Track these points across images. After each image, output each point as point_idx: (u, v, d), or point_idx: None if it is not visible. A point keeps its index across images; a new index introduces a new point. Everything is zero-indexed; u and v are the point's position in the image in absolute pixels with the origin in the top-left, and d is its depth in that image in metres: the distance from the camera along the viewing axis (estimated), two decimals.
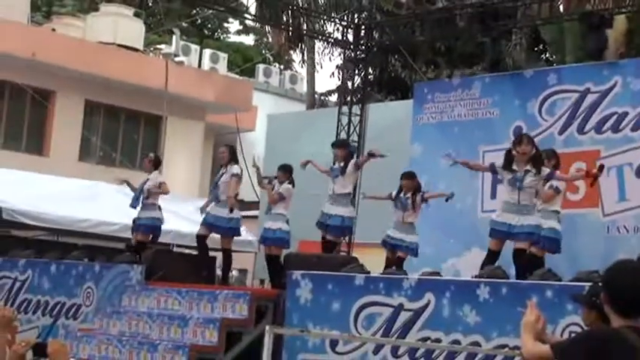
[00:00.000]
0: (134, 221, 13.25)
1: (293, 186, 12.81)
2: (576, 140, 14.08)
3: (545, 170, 10.33)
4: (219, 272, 13.47)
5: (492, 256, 10.49)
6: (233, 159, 12.61)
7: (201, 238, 12.64)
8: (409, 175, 12.60)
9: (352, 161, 12.41)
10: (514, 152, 10.43)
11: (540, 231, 10.39)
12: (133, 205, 13.23)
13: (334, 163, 12.62)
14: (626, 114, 13.76)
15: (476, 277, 9.78)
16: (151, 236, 13.27)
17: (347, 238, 14.55)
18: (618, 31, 19.19)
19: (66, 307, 12.98)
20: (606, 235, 13.21)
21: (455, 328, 9.21)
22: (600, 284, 4.15)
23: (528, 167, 10.28)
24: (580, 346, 3.97)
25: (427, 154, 15.75)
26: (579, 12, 15.57)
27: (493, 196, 14.67)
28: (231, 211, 12.33)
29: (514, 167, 10.35)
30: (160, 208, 13.23)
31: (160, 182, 13.20)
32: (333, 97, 28.26)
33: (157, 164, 13.75)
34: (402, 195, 12.40)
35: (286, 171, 12.92)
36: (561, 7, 19.32)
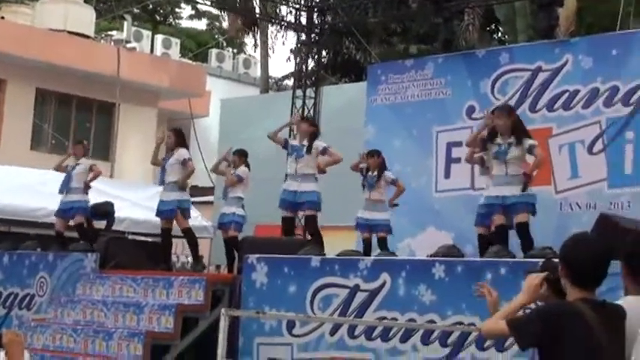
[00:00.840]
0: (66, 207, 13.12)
1: (249, 170, 12.83)
2: (528, 118, 14.09)
3: (527, 142, 9.94)
4: (174, 258, 13.43)
5: (503, 231, 10.02)
6: (180, 143, 12.37)
7: (165, 231, 12.40)
8: (373, 153, 12.55)
9: (322, 147, 11.91)
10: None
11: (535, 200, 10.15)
12: (61, 191, 13.12)
13: (295, 140, 12.35)
14: (577, 92, 13.85)
15: (431, 256, 9.80)
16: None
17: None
18: (569, 9, 19.37)
19: (19, 298, 12.81)
20: (559, 212, 13.31)
21: (411, 308, 9.22)
22: (557, 258, 4.21)
23: (511, 139, 9.94)
24: (536, 321, 4.03)
25: (381, 135, 15.76)
26: None
27: (447, 175, 14.76)
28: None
29: (498, 140, 10.16)
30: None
31: (91, 164, 13.15)
32: (287, 80, 28.22)
33: (87, 151, 13.71)
34: (369, 174, 12.36)
35: (242, 155, 12.94)
36: None
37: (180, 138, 12.42)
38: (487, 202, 10.07)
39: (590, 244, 4.14)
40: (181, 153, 12.12)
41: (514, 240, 9.96)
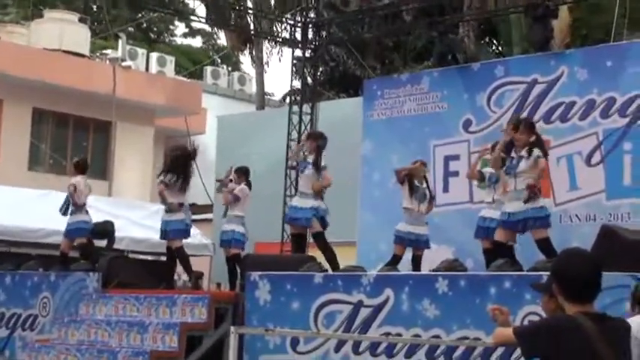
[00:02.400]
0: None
1: (250, 188, 12.82)
2: None
3: (536, 152, 10.00)
4: (175, 277, 13.42)
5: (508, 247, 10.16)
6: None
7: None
8: (425, 163, 12.47)
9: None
10: (512, 137, 10.16)
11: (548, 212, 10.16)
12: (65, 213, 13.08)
13: (303, 157, 12.15)
14: (573, 103, 13.91)
15: (434, 271, 9.82)
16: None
17: None
18: (563, 21, 19.44)
19: (22, 318, 12.82)
20: (559, 224, 13.32)
21: (415, 323, 9.24)
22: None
23: (524, 152, 9.99)
24: (540, 332, 4.09)
25: (378, 150, 15.82)
26: (524, 3, 15.67)
27: (445, 189, 14.81)
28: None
29: (512, 154, 10.19)
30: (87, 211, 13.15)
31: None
32: (279, 95, 28.29)
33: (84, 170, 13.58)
34: (418, 184, 12.15)
35: (242, 173, 12.95)
36: None
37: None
38: (505, 218, 10.10)
39: (581, 258, 4.15)
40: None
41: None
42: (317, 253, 11.81)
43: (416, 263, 12.08)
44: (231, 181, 12.91)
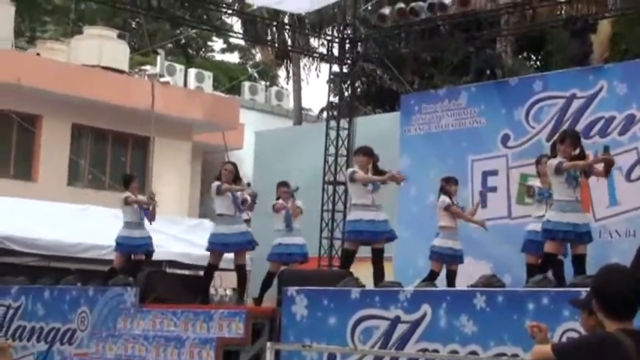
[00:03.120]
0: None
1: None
2: None
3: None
4: (212, 291, 13.48)
5: (553, 260, 10.01)
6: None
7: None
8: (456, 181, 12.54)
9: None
10: (557, 150, 9.98)
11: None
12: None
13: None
14: (613, 118, 13.81)
15: (471, 286, 9.77)
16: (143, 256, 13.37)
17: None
18: (602, 35, 19.32)
19: (61, 333, 12.92)
20: (598, 240, 13.20)
21: (452, 339, 9.18)
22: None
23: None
24: (579, 349, 4.06)
25: (416, 165, 15.77)
26: (563, 18, 15.61)
27: (483, 204, 14.70)
28: None
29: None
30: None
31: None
32: (316, 110, 28.33)
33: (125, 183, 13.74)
34: (454, 201, 12.30)
35: (289, 187, 13.06)
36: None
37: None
38: (555, 227, 9.85)
39: (621, 275, 4.11)
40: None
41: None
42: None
43: (450, 279, 12.07)
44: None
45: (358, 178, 11.53)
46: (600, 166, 10.19)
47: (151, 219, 13.26)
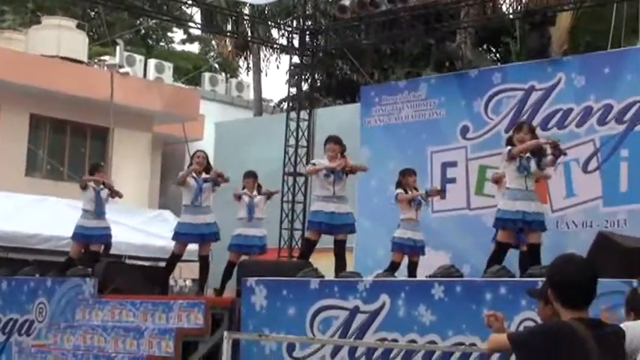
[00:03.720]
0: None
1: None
2: None
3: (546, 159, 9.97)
4: (172, 282, 13.44)
5: (505, 249, 9.95)
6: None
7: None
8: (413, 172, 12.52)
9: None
10: (514, 140, 9.90)
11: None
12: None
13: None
14: (570, 110, 13.94)
15: (430, 276, 9.82)
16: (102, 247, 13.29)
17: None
18: (561, 28, 19.46)
19: (19, 324, 12.80)
20: (556, 230, 13.35)
21: (411, 329, 9.23)
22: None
23: (528, 155, 9.80)
24: (534, 338, 4.08)
25: (376, 156, 15.82)
26: (522, 10, 15.72)
27: (442, 195, 14.77)
28: None
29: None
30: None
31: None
32: (276, 99, 28.29)
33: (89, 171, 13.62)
34: (409, 191, 12.25)
35: (256, 177, 13.06)
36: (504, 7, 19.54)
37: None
38: (504, 216, 9.82)
39: (576, 265, 4.12)
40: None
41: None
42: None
43: (412, 269, 12.12)
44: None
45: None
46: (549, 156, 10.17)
47: (115, 195, 13.14)
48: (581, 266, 4.12)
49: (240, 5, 21.60)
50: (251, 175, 13.16)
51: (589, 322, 4.02)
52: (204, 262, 12.43)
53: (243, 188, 13.04)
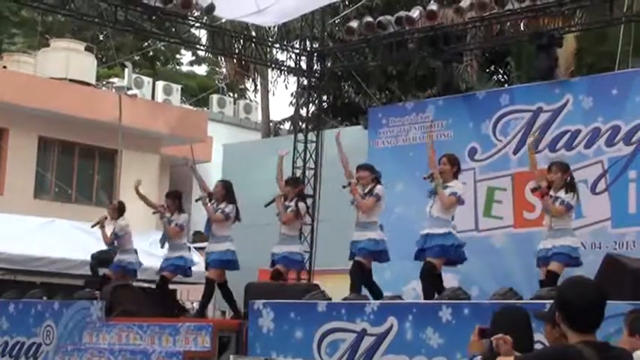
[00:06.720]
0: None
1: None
2: None
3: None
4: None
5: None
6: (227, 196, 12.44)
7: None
8: None
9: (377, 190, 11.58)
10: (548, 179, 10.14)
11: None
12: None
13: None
14: (578, 131, 13.90)
15: (437, 299, 9.78)
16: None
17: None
18: (568, 50, 19.46)
19: (26, 347, 12.81)
20: None
21: (418, 351, 9.20)
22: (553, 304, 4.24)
23: (560, 194, 10.04)
24: None
25: (384, 178, 15.68)
26: (529, 32, 15.72)
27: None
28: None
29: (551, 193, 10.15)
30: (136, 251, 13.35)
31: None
32: (287, 125, 28.32)
33: (121, 211, 13.77)
34: None
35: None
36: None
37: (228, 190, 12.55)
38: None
39: (584, 288, 4.12)
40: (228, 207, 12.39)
41: None
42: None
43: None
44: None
45: None
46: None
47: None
48: (589, 289, 4.10)
49: (247, 28, 21.67)
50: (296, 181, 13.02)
51: (596, 345, 4.00)
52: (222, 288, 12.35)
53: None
